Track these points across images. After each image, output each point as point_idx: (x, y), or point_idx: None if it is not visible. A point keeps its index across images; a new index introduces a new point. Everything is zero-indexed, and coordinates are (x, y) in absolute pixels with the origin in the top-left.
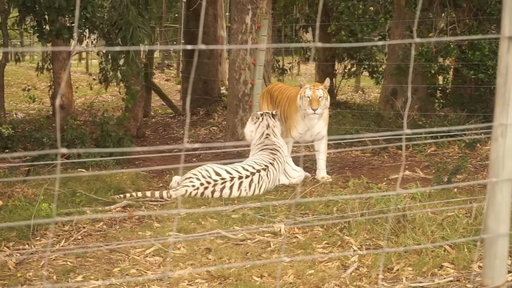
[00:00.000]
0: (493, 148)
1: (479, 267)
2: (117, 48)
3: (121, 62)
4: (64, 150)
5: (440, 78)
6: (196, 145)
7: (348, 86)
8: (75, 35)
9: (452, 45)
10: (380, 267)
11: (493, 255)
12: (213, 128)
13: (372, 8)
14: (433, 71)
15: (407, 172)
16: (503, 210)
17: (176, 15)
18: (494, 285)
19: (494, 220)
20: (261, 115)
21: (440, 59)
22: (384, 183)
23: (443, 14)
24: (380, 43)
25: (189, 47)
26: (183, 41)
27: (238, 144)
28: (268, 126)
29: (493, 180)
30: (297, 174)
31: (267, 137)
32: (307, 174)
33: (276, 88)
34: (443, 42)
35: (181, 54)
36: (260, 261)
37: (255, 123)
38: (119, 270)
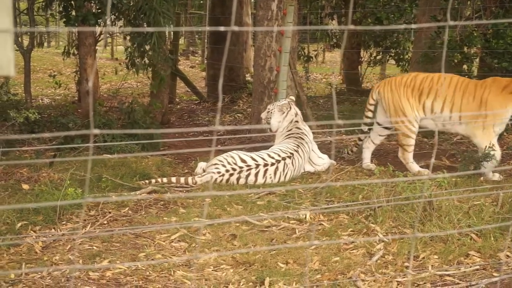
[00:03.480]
0: None
1: (507, 256)
2: (144, 29)
3: (147, 48)
4: (96, 131)
5: (465, 66)
6: (227, 127)
7: (374, 74)
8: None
9: (476, 34)
10: (408, 253)
11: None
12: (238, 115)
13: None
14: (456, 60)
15: (433, 160)
16: None
17: (202, 1)
18: None
19: None
20: (288, 104)
21: (465, 48)
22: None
23: (468, 2)
24: (412, 26)
25: (221, 28)
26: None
27: (265, 128)
28: (296, 114)
29: None
30: (322, 161)
31: (296, 124)
32: (333, 161)
33: (423, 78)
34: (467, 31)
35: (206, 41)
36: (287, 245)
37: (284, 113)
38: (144, 255)
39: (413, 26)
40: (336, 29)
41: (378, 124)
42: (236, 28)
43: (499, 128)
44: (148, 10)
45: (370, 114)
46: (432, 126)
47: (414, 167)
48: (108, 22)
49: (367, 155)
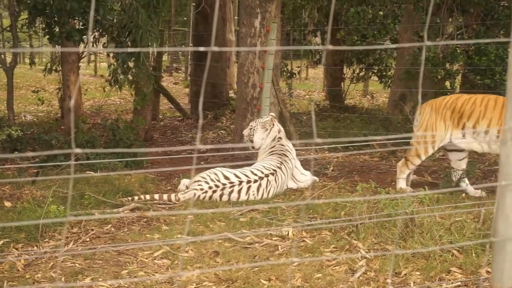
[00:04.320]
0: (502, 151)
1: (487, 272)
2: (128, 50)
3: (131, 65)
4: (78, 150)
5: (447, 83)
6: (209, 146)
7: (356, 90)
8: (89, 34)
9: (459, 50)
10: (388, 271)
11: (502, 258)
12: (221, 131)
13: (381, 13)
14: (439, 77)
15: (415, 177)
16: None
17: (185, 18)
18: (504, 287)
19: (503, 223)
20: (271, 120)
21: (447, 65)
22: (392, 187)
23: (450, 19)
24: (392, 46)
25: (201, 49)
26: (191, 45)
27: (247, 146)
28: (279, 130)
29: (502, 183)
30: (305, 178)
31: (279, 141)
32: (315, 178)
33: (463, 99)
34: (450, 48)
35: (189, 57)
36: (269, 262)
37: (267, 130)
38: (127, 273)
39: (391, 46)
40: (317, 48)
41: (449, 150)
42: (216, 49)
43: None
44: (133, 28)
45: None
46: (477, 148)
47: (401, 183)
48: (91, 39)
49: (466, 183)
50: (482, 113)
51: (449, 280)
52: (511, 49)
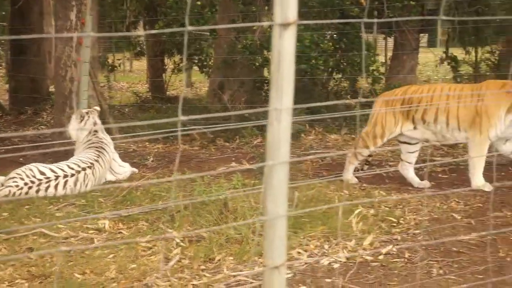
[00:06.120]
0: (269, 132)
1: (298, 253)
2: None
3: None
4: None
5: (266, 70)
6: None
7: (179, 81)
8: None
9: None
10: (205, 256)
11: (272, 236)
12: (42, 127)
13: (199, 3)
14: (257, 64)
15: (233, 164)
16: (281, 192)
17: (4, 13)
18: (275, 264)
19: (272, 202)
20: (86, 113)
21: (265, 52)
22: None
23: (266, 7)
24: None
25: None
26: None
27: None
28: (95, 123)
29: (270, 163)
30: (123, 170)
31: (95, 134)
32: (134, 169)
33: (411, 91)
34: (267, 35)
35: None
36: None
37: (81, 121)
38: None
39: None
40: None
41: (401, 142)
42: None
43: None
44: None
45: None
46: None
47: (349, 174)
48: None
49: (411, 175)
50: (429, 102)
51: (261, 263)
52: (273, 33)
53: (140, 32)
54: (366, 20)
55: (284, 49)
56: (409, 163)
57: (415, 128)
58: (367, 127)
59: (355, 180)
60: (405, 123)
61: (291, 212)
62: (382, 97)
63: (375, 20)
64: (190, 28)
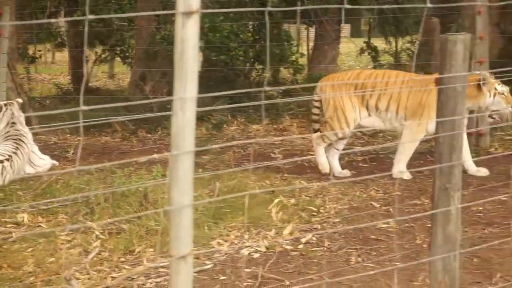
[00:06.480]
0: (173, 122)
1: (219, 243)
2: None
3: None
4: None
5: None
6: None
7: (102, 72)
8: None
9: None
10: (125, 249)
11: (178, 226)
12: None
13: None
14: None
15: (155, 156)
16: (186, 182)
17: None
18: (181, 254)
19: (177, 192)
20: (5, 105)
21: None
22: (131, 167)
23: None
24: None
25: None
26: None
27: None
28: (13, 115)
29: (174, 153)
30: (43, 162)
31: (13, 126)
32: (55, 162)
33: (364, 75)
34: None
35: None
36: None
37: None
38: None
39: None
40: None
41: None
42: None
43: None
44: None
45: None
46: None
47: (320, 157)
48: None
49: (335, 164)
50: (383, 89)
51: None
52: (177, 22)
53: (48, 20)
54: (270, 8)
55: (187, 38)
56: (337, 149)
57: (369, 115)
58: (327, 113)
59: (326, 163)
60: (361, 109)
61: (196, 202)
62: (329, 80)
63: (279, 9)
64: (91, 16)
